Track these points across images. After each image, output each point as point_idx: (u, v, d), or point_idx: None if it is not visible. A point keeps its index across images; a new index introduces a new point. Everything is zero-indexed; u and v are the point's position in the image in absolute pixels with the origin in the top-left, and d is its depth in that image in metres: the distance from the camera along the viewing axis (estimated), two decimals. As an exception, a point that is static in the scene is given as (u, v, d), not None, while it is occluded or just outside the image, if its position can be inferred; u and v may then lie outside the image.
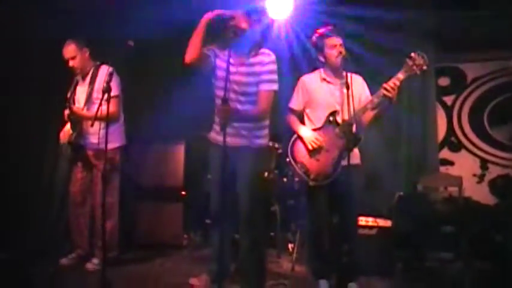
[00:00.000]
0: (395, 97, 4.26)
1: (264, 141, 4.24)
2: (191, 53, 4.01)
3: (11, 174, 5.92)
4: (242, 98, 4.11)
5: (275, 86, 4.13)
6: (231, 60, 4.04)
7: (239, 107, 4.09)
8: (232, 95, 4.06)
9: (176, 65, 4.71)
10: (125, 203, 5.45)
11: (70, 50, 5.10)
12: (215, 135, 4.20)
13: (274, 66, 4.14)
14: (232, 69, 4.05)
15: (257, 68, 4.10)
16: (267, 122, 4.26)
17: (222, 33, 4.02)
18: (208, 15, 3.97)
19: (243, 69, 4.11)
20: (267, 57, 4.12)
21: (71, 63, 5.12)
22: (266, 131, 4.26)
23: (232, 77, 4.04)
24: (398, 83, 4.26)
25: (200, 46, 3.99)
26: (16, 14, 5.82)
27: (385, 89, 4.24)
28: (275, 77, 4.14)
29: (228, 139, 3.92)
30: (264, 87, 4.10)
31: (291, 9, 6.15)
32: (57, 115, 5.21)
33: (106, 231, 4.68)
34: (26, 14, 5.88)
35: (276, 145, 5.88)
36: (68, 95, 5.22)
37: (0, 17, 5.66)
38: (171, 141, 6.39)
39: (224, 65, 3.99)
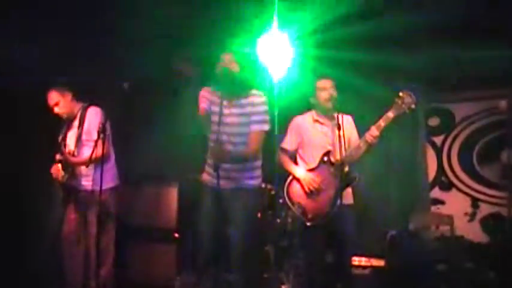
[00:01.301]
0: (377, 138, 4.35)
1: (256, 182, 4.26)
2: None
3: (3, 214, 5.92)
4: (234, 139, 4.13)
5: (266, 127, 4.18)
6: (224, 102, 4.11)
7: (231, 148, 4.12)
8: (224, 137, 4.11)
9: (169, 106, 4.78)
10: (118, 244, 5.39)
11: (52, 97, 5.10)
12: (207, 177, 4.20)
13: (265, 107, 4.18)
14: (224, 111, 4.10)
15: (248, 109, 4.14)
16: (259, 163, 4.28)
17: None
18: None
19: (234, 110, 4.15)
20: (257, 98, 4.17)
21: (55, 110, 5.12)
22: (259, 172, 4.28)
23: (224, 119, 4.09)
24: (382, 127, 4.36)
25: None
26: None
27: (367, 142, 4.35)
28: (266, 117, 4.18)
29: (223, 181, 3.99)
30: (255, 127, 4.14)
31: (282, 53, 6.29)
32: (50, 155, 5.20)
33: (101, 273, 4.69)
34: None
35: (269, 186, 5.92)
36: (59, 138, 5.22)
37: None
38: (164, 183, 6.39)
39: (217, 109, 4.05)
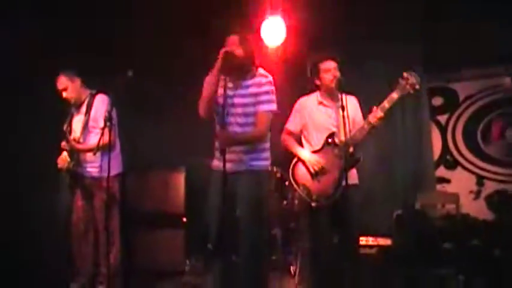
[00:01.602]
0: (381, 120, 4.38)
1: (265, 163, 4.21)
2: (207, 109, 4.08)
3: (10, 203, 5.97)
4: (241, 120, 4.10)
5: (273, 106, 4.12)
6: (230, 84, 4.10)
7: (239, 129, 4.10)
8: (231, 119, 4.09)
9: (176, 92, 4.80)
10: (126, 230, 5.45)
11: (61, 81, 5.14)
12: (216, 162, 4.18)
13: (271, 87, 4.13)
14: (230, 92, 4.07)
15: (254, 89, 4.10)
16: (267, 145, 4.24)
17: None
18: (220, 61, 3.96)
19: (240, 91, 4.12)
20: (263, 78, 4.12)
21: (64, 94, 5.16)
22: (267, 154, 4.24)
23: (230, 101, 4.07)
24: (386, 108, 4.38)
25: (213, 97, 4.04)
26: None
27: (371, 123, 4.38)
28: (273, 97, 4.13)
29: (229, 165, 3.95)
30: (262, 107, 4.09)
31: (284, 35, 6.32)
32: (55, 145, 5.23)
33: (110, 259, 4.75)
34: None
35: (275, 168, 5.95)
36: (64, 126, 5.25)
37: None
38: (171, 168, 6.46)
39: (224, 92, 4.01)
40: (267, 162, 4.24)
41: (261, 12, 6.22)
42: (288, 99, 5.02)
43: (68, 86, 5.15)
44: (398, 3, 6.25)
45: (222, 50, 3.97)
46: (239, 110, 4.11)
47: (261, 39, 6.32)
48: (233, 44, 4.08)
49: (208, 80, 4.06)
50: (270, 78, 4.16)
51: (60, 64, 5.34)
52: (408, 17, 6.41)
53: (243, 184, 4.08)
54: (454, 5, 6.06)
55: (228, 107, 4.06)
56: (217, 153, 4.20)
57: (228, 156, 3.96)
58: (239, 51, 4.05)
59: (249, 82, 4.13)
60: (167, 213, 6.35)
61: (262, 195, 4.21)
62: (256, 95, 4.10)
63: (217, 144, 4.18)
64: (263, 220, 4.19)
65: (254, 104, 4.10)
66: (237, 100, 4.11)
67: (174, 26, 6.40)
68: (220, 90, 4.05)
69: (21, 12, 5.87)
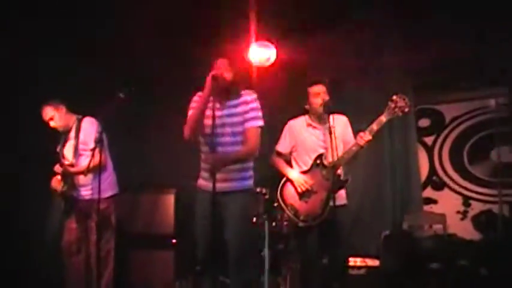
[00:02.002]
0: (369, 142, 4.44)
1: (250, 182, 4.23)
2: (194, 131, 4.10)
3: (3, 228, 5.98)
4: (230, 139, 4.13)
5: (261, 122, 4.16)
6: (217, 105, 4.12)
7: (228, 149, 4.11)
8: (220, 139, 4.10)
9: (165, 113, 4.85)
10: (117, 251, 5.45)
11: (47, 112, 5.21)
12: (203, 182, 4.19)
13: (257, 104, 4.18)
14: (217, 113, 4.09)
15: (242, 108, 4.14)
16: (251, 164, 4.26)
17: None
18: (209, 84, 4.00)
19: (228, 111, 4.16)
20: (249, 96, 4.17)
21: (51, 124, 5.23)
22: (251, 172, 4.26)
23: (219, 121, 4.08)
24: (374, 131, 4.45)
25: (201, 120, 4.06)
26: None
27: (359, 145, 4.43)
28: (260, 113, 4.17)
29: (218, 184, 3.95)
30: (251, 124, 4.12)
31: (274, 57, 6.40)
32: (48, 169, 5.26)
33: (102, 281, 4.76)
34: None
35: (264, 190, 5.99)
36: (58, 149, 5.30)
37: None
38: (161, 189, 6.49)
39: (210, 112, 4.03)
40: (251, 182, 4.26)
41: (249, 36, 6.30)
42: (278, 120, 5.11)
43: (53, 115, 5.22)
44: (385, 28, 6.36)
45: (210, 74, 4.01)
46: (228, 129, 4.13)
47: (249, 62, 6.40)
48: (222, 67, 4.13)
49: (196, 103, 4.12)
50: (255, 95, 4.21)
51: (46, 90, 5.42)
52: (397, 38, 6.52)
53: (231, 205, 4.08)
54: (440, 26, 6.15)
55: (218, 127, 4.08)
56: (203, 173, 4.22)
57: (218, 176, 3.97)
58: (228, 75, 4.10)
59: (236, 101, 4.18)
60: (157, 235, 6.35)
61: (248, 214, 4.24)
62: (244, 113, 4.14)
63: (204, 165, 4.18)
64: (251, 240, 4.21)
65: (242, 123, 4.14)
66: (225, 120, 4.14)
67: (164, 49, 6.47)
68: (208, 112, 4.07)
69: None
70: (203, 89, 4.03)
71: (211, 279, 4.09)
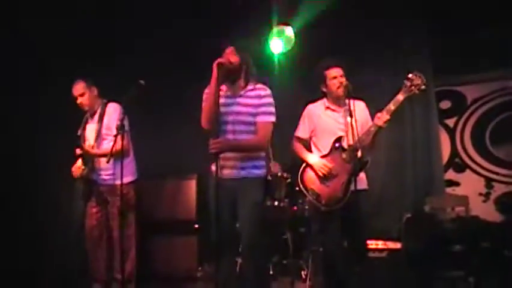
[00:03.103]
0: (388, 122, 4.43)
1: (262, 171, 4.26)
2: (209, 120, 4.11)
3: (27, 212, 6.07)
4: (239, 128, 4.15)
5: (273, 118, 4.20)
6: (228, 93, 4.20)
7: (236, 137, 4.15)
8: (229, 127, 4.14)
9: (187, 100, 4.88)
10: (140, 236, 5.51)
11: (79, 88, 5.27)
12: (214, 167, 4.15)
13: (271, 99, 4.22)
14: (229, 101, 4.17)
15: (255, 100, 4.17)
16: (263, 154, 4.30)
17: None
18: (215, 72, 4.02)
19: (240, 100, 4.19)
20: (263, 91, 4.20)
21: (79, 100, 5.28)
22: (263, 162, 4.29)
23: (230, 109, 4.15)
24: (392, 110, 4.42)
25: (216, 109, 4.05)
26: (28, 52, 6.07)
27: (377, 125, 4.43)
28: (273, 109, 4.21)
29: (228, 171, 4.08)
30: (263, 118, 4.16)
31: (292, 42, 6.40)
32: (70, 152, 5.30)
33: (125, 266, 4.82)
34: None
35: (285, 175, 6.02)
36: (79, 132, 5.35)
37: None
38: (183, 175, 6.57)
39: (223, 101, 4.12)
40: (264, 171, 4.29)
41: (269, 20, 6.30)
42: (295, 105, 5.11)
43: (85, 92, 5.28)
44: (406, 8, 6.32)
45: (215, 62, 4.04)
46: (238, 117, 4.17)
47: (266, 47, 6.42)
48: (230, 53, 4.17)
49: (208, 92, 4.15)
50: (269, 91, 4.25)
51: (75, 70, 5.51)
52: (416, 20, 6.47)
53: (242, 192, 4.13)
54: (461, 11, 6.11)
55: (227, 114, 4.14)
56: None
57: (226, 163, 4.10)
58: (234, 59, 4.13)
59: (249, 93, 4.21)
60: (179, 220, 6.44)
61: (260, 201, 4.25)
62: (256, 106, 4.17)
63: (211, 149, 4.11)
64: (261, 224, 4.22)
65: (254, 114, 4.17)
66: (236, 108, 4.18)
67: (186, 35, 6.51)
68: (221, 100, 4.12)
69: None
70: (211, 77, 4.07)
71: (227, 261, 4.14)
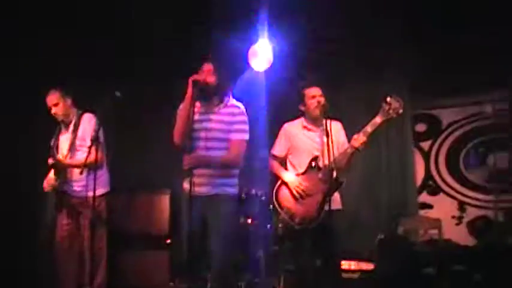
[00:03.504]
0: (364, 144, 4.44)
1: (233, 189, 4.24)
2: (182, 136, 4.11)
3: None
4: (211, 144, 4.13)
5: (246, 136, 4.20)
6: (202, 109, 4.18)
7: (208, 153, 4.12)
8: (202, 143, 4.12)
9: (162, 113, 4.85)
10: (111, 250, 5.44)
11: (53, 97, 5.19)
12: (186, 185, 4.14)
13: (244, 117, 4.22)
14: (202, 117, 4.15)
15: (228, 118, 4.17)
16: (236, 171, 4.28)
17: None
18: (190, 89, 4.03)
19: (214, 116, 4.17)
20: (236, 109, 4.21)
21: (53, 110, 5.20)
22: (235, 180, 4.28)
23: (203, 125, 4.13)
24: (368, 133, 4.44)
25: (189, 125, 4.03)
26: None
27: (353, 147, 4.44)
28: (246, 127, 4.21)
29: (201, 188, 4.04)
30: (236, 136, 4.16)
31: (270, 60, 6.40)
32: (42, 163, 5.23)
33: (95, 279, 4.74)
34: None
35: (259, 193, 5.99)
36: (51, 142, 5.28)
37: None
38: (156, 190, 6.51)
39: (196, 117, 4.09)
40: (235, 189, 4.28)
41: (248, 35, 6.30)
42: (273, 124, 5.11)
43: (59, 102, 5.20)
44: (384, 29, 6.35)
45: (191, 78, 4.03)
46: (211, 134, 4.15)
47: (244, 64, 6.42)
48: (207, 72, 4.15)
49: (182, 108, 4.14)
50: (243, 108, 4.25)
51: (49, 81, 5.44)
52: (393, 43, 6.51)
53: (212, 208, 4.10)
54: (437, 33, 6.16)
55: (200, 130, 4.13)
56: (186, 176, 4.18)
57: (199, 179, 4.04)
58: (211, 79, 4.11)
59: (223, 110, 4.20)
60: (152, 235, 6.37)
61: (231, 220, 4.24)
62: (230, 123, 4.17)
63: (185, 165, 4.10)
64: (233, 242, 4.26)
65: (227, 131, 4.16)
66: (209, 125, 4.16)
67: (161, 47, 6.49)
68: (195, 116, 4.09)
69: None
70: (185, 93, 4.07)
71: (195, 278, 4.15)
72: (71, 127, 5.23)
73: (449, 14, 5.84)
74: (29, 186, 5.90)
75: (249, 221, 5.90)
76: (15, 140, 6.19)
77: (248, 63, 6.46)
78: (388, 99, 4.48)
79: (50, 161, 5.12)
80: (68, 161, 5.10)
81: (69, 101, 5.26)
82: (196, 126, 4.10)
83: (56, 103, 5.20)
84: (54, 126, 5.37)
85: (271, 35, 6.25)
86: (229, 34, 6.06)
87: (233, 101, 4.27)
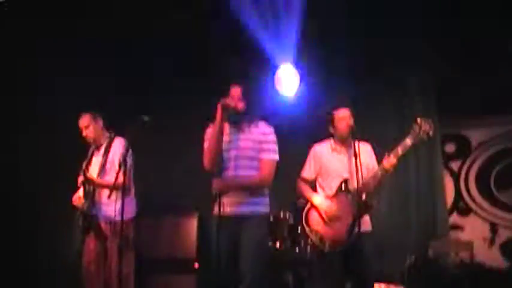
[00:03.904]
0: (395, 166, 4.40)
1: (265, 209, 4.22)
2: (212, 160, 4.11)
3: (24, 248, 6.01)
4: (241, 163, 4.11)
5: (277, 156, 4.19)
6: (231, 130, 4.18)
7: (238, 173, 4.10)
8: (231, 163, 4.11)
9: (189, 137, 4.86)
10: (139, 274, 5.41)
11: (84, 120, 5.28)
12: (216, 208, 4.10)
13: (274, 137, 4.22)
14: (232, 137, 4.16)
15: (259, 137, 4.16)
16: (266, 191, 4.26)
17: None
18: (220, 112, 4.03)
19: (243, 136, 4.17)
20: (267, 129, 4.21)
21: (84, 132, 5.27)
22: (267, 200, 4.25)
23: (232, 145, 4.13)
24: (399, 155, 4.41)
25: (219, 149, 4.06)
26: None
27: (384, 169, 4.41)
28: (276, 147, 4.20)
29: (230, 209, 4.02)
30: (267, 155, 4.14)
31: (297, 83, 6.40)
32: (70, 184, 5.28)
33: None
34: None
35: (287, 215, 5.94)
36: (84, 164, 5.30)
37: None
38: (184, 213, 6.50)
39: (226, 138, 4.11)
40: (266, 209, 4.25)
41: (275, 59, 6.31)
42: (302, 147, 5.08)
43: (90, 124, 5.27)
44: (412, 49, 6.32)
45: (220, 103, 4.03)
46: (241, 153, 4.13)
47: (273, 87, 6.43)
48: (235, 96, 4.15)
49: (211, 131, 4.15)
50: (272, 129, 4.25)
51: (80, 102, 5.54)
52: (422, 64, 6.47)
53: (245, 230, 4.07)
54: (467, 54, 6.12)
55: (229, 151, 4.12)
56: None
57: (230, 199, 4.03)
58: (240, 104, 4.12)
59: (253, 129, 4.20)
60: (179, 259, 6.34)
61: (263, 239, 4.23)
62: (260, 142, 4.16)
63: (214, 189, 4.10)
64: (264, 264, 4.18)
65: (258, 150, 4.15)
66: (239, 144, 4.15)
67: (189, 68, 6.54)
68: (224, 137, 4.12)
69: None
70: (214, 115, 4.06)
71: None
72: (102, 150, 5.26)
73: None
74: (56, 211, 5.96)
75: (278, 244, 5.84)
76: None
77: (276, 88, 6.48)
78: (419, 120, 4.46)
79: (81, 178, 5.15)
80: (98, 180, 5.11)
81: (100, 123, 5.34)
82: (226, 146, 4.11)
83: (87, 125, 5.27)
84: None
85: (298, 59, 6.26)
86: (256, 58, 6.09)
87: (262, 122, 4.27)
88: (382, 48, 6.33)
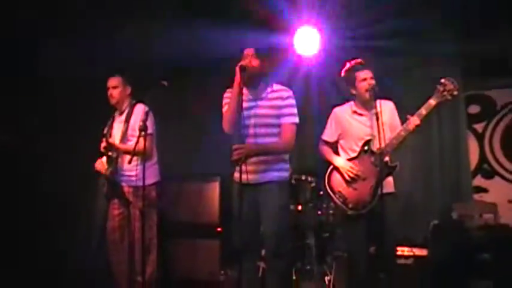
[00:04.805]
0: (418, 127, 4.37)
1: (285, 174, 4.24)
2: (232, 124, 4.11)
3: (48, 213, 6.08)
4: (261, 131, 4.14)
5: (296, 119, 4.19)
6: (250, 96, 4.18)
7: (258, 140, 4.12)
8: (251, 130, 4.14)
9: (211, 102, 4.85)
10: (162, 239, 5.47)
11: (115, 80, 5.31)
12: (236, 174, 4.11)
13: (293, 101, 4.21)
14: (251, 104, 4.16)
15: (278, 102, 4.16)
16: (287, 157, 4.29)
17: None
18: (238, 75, 4.01)
19: (262, 102, 4.18)
20: (285, 93, 4.19)
21: (110, 91, 5.29)
22: (287, 165, 4.28)
23: (251, 112, 4.14)
24: (423, 115, 4.38)
25: (238, 112, 4.02)
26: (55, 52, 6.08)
27: (407, 129, 4.38)
28: (295, 110, 4.20)
29: (251, 176, 4.04)
30: (287, 120, 4.15)
31: (318, 44, 6.33)
32: (93, 150, 5.29)
33: (146, 269, 4.76)
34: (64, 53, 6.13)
35: (310, 178, 5.93)
36: (105, 130, 5.34)
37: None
38: (206, 178, 6.53)
39: (244, 104, 4.09)
40: (287, 174, 4.27)
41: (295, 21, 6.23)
42: (322, 109, 5.05)
43: (119, 86, 5.30)
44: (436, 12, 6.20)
45: (238, 64, 4.02)
46: (260, 120, 4.15)
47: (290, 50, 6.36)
48: (248, 56, 4.14)
49: (230, 96, 4.13)
50: (291, 92, 4.23)
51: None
52: (447, 24, 6.35)
53: (265, 196, 4.11)
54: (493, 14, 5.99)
55: (248, 118, 4.13)
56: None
57: (249, 167, 4.04)
58: (255, 62, 4.11)
59: (270, 95, 4.20)
60: (202, 223, 6.40)
61: (285, 203, 4.27)
62: (279, 107, 4.16)
63: (234, 156, 4.05)
64: (286, 229, 4.23)
65: (277, 116, 4.16)
66: (258, 110, 4.16)
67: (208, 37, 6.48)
68: (243, 103, 4.09)
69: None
70: (232, 80, 4.06)
71: (249, 264, 4.13)
72: (124, 117, 5.28)
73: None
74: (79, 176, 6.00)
75: (299, 207, 5.85)
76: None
77: (294, 49, 6.40)
78: (443, 80, 4.40)
79: (102, 144, 5.15)
80: (119, 145, 5.13)
81: (128, 90, 5.36)
82: (245, 113, 4.09)
83: (116, 86, 5.29)
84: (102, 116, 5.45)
85: (318, 20, 6.18)
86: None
87: (280, 85, 4.26)
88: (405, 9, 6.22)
